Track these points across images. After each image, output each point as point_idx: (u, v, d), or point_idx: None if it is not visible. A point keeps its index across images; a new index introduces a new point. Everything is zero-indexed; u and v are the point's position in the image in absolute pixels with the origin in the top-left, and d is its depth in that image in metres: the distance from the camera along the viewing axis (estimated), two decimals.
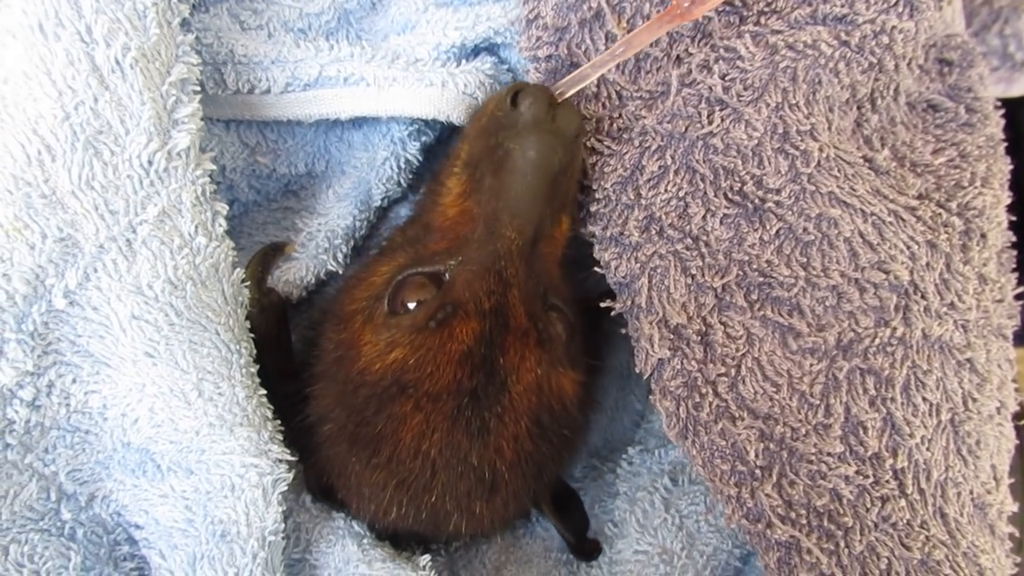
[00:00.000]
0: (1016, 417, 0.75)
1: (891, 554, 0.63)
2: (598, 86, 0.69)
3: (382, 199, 0.82)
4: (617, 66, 0.68)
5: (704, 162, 0.66)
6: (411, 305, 0.66)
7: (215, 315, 0.65)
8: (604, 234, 0.68)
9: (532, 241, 0.64)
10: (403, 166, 0.81)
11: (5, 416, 0.62)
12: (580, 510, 0.82)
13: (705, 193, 0.66)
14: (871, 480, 0.64)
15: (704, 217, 0.66)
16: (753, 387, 0.65)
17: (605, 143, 0.68)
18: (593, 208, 0.68)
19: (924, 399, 0.67)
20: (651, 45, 0.67)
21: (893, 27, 0.68)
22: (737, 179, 0.66)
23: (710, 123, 0.66)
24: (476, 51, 0.78)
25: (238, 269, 0.68)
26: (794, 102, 0.66)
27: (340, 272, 0.82)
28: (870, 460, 0.65)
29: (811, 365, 0.66)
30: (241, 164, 0.81)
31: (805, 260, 0.66)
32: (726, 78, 0.66)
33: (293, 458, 0.68)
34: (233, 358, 0.66)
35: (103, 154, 0.60)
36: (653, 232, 0.66)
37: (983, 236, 0.73)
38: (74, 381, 0.63)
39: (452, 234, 0.68)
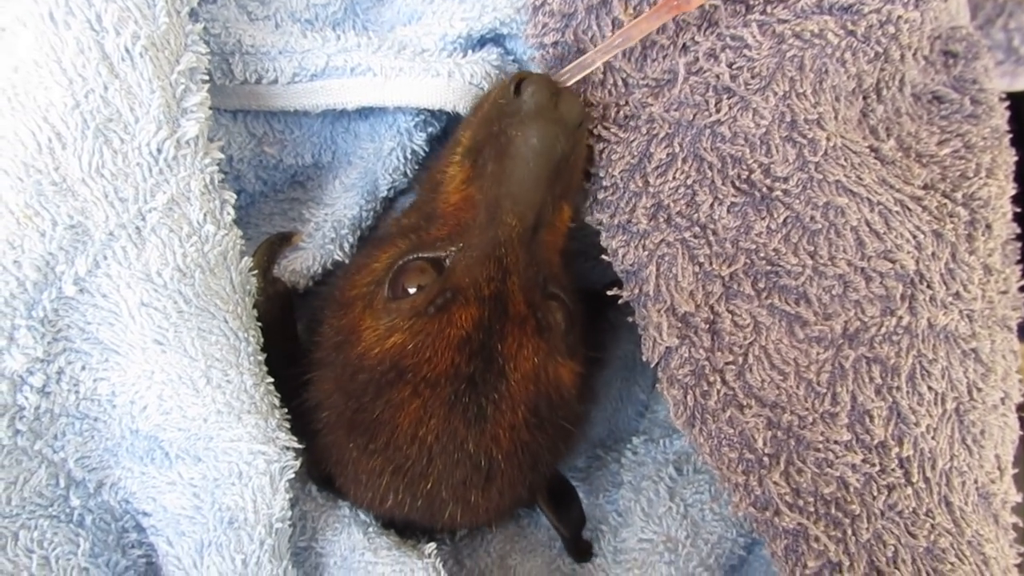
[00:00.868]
0: (1020, 408, 0.75)
1: (897, 542, 0.64)
2: (604, 73, 0.69)
3: (388, 189, 0.82)
4: (623, 53, 0.68)
5: (712, 150, 0.66)
6: (411, 289, 0.66)
7: (223, 303, 0.65)
8: (611, 222, 0.68)
9: (533, 228, 0.64)
10: (409, 157, 0.81)
11: (15, 402, 0.62)
12: (577, 508, 0.82)
13: (713, 181, 0.66)
14: (877, 468, 0.64)
15: (712, 205, 0.66)
16: (760, 375, 0.65)
17: (612, 130, 0.68)
18: (600, 196, 0.69)
19: (929, 388, 0.67)
20: (657, 33, 0.67)
21: (899, 17, 0.68)
22: (745, 167, 0.66)
23: (718, 111, 0.66)
24: (482, 42, 0.78)
25: (246, 257, 0.69)
26: (801, 91, 0.66)
27: (346, 262, 0.82)
28: (876, 448, 0.65)
29: (818, 354, 0.66)
30: (248, 154, 0.81)
31: (812, 249, 0.66)
32: (733, 66, 0.66)
33: (300, 446, 0.68)
34: (241, 346, 0.66)
35: (113, 142, 0.60)
36: (661, 220, 0.66)
37: (988, 227, 0.73)
38: (83, 368, 0.64)
39: (454, 220, 0.68)
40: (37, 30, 0.59)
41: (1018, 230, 0.77)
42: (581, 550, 0.82)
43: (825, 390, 0.65)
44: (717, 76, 0.67)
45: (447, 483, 0.66)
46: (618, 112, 0.69)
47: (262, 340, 0.69)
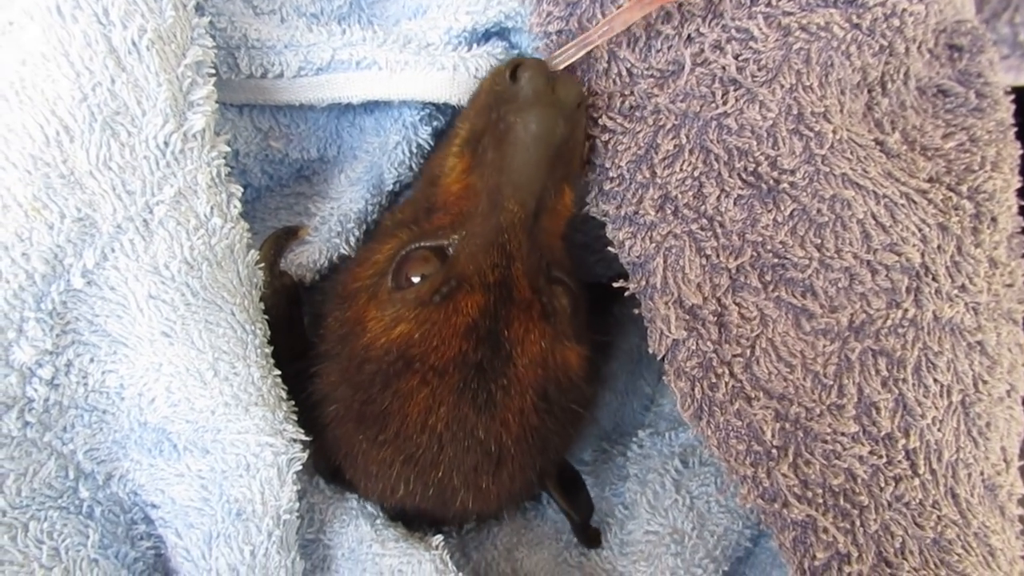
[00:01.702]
0: None
1: (905, 533, 0.64)
2: (608, 62, 0.69)
3: (394, 183, 0.82)
4: (627, 43, 0.68)
5: (718, 142, 0.66)
6: (415, 279, 0.66)
7: (230, 296, 0.66)
8: (618, 213, 0.68)
9: (535, 213, 0.64)
10: (415, 150, 0.81)
11: (24, 394, 0.62)
12: (585, 496, 0.83)
13: (720, 173, 0.66)
14: (884, 460, 0.65)
15: (719, 197, 0.66)
16: (768, 368, 0.65)
17: (617, 120, 0.68)
18: (606, 187, 0.68)
19: (935, 380, 0.67)
20: (662, 23, 0.67)
21: (904, 10, 0.68)
22: (751, 160, 0.66)
23: (724, 103, 0.66)
24: (487, 35, 0.78)
25: (252, 251, 0.69)
26: (808, 84, 0.66)
27: (352, 256, 0.82)
28: (883, 440, 0.65)
29: (824, 346, 0.66)
30: (254, 149, 0.81)
31: (819, 241, 0.66)
32: (739, 58, 0.66)
33: (308, 438, 0.68)
34: (248, 338, 0.66)
35: (120, 135, 0.60)
36: (668, 211, 0.66)
37: (993, 220, 0.73)
38: (92, 360, 0.64)
39: (455, 209, 0.68)
40: (44, 23, 0.59)
41: (1023, 224, 0.77)
42: (591, 536, 0.82)
43: (832, 382, 0.65)
44: (723, 68, 0.67)
45: (458, 470, 0.66)
46: (623, 102, 0.69)
47: (269, 333, 0.69)
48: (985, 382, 0.70)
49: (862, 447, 0.64)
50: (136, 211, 0.61)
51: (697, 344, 0.65)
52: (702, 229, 0.66)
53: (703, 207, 0.67)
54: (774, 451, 0.64)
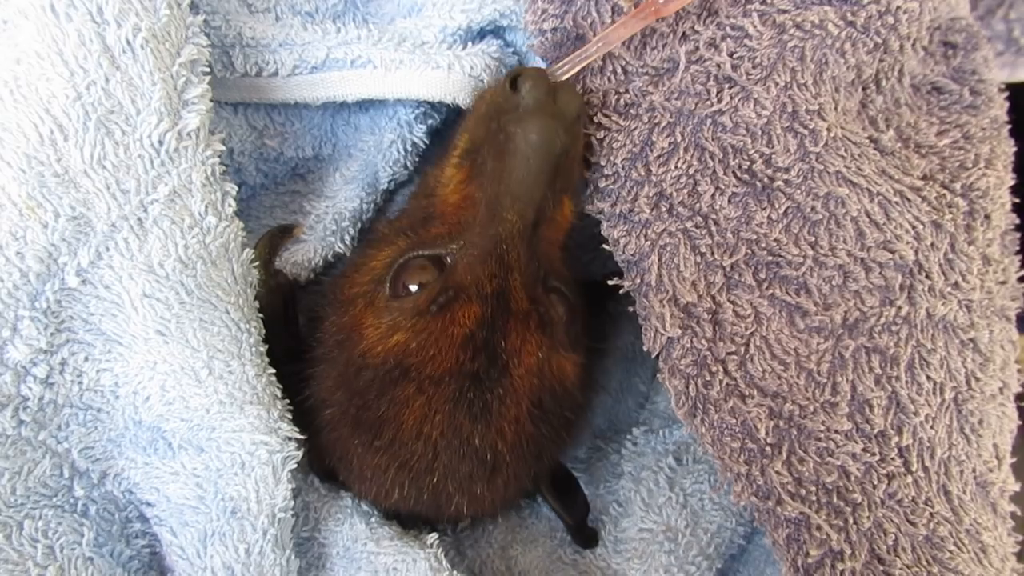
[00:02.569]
0: (1019, 397, 0.75)
1: (898, 530, 0.64)
2: (603, 60, 0.69)
3: (389, 182, 0.83)
4: (623, 41, 0.68)
5: (713, 140, 0.66)
6: (413, 287, 0.66)
7: (225, 294, 0.66)
8: (613, 211, 0.68)
9: (533, 224, 0.64)
10: (410, 149, 0.81)
11: (19, 393, 0.62)
12: (580, 496, 0.83)
13: (714, 171, 0.67)
14: (877, 457, 0.65)
15: (713, 195, 0.67)
16: (762, 365, 0.65)
17: (612, 118, 0.68)
18: (601, 184, 0.69)
19: (928, 378, 0.68)
20: (657, 21, 0.67)
21: (898, 7, 0.69)
22: (746, 157, 0.66)
23: (719, 101, 0.66)
24: (482, 34, 0.79)
25: (247, 249, 0.69)
26: (802, 81, 0.67)
27: (347, 254, 0.82)
28: (876, 438, 0.65)
29: (818, 344, 0.66)
30: (249, 147, 0.81)
31: (813, 239, 0.66)
32: (734, 56, 0.66)
33: (302, 436, 0.69)
34: (243, 337, 0.66)
35: (114, 134, 0.60)
36: (663, 209, 0.66)
37: (987, 217, 0.73)
38: (86, 359, 0.64)
39: (454, 219, 0.68)
40: (39, 22, 0.59)
41: (1017, 220, 0.77)
42: (587, 536, 0.82)
43: (825, 380, 0.66)
44: (718, 65, 0.67)
45: (453, 477, 0.67)
46: (618, 100, 0.69)
47: (264, 331, 0.69)
48: (978, 379, 0.70)
49: (855, 444, 0.65)
50: (131, 210, 0.61)
51: (691, 342, 0.65)
52: (697, 227, 0.67)
53: (698, 205, 0.67)
54: (768, 448, 0.64)
